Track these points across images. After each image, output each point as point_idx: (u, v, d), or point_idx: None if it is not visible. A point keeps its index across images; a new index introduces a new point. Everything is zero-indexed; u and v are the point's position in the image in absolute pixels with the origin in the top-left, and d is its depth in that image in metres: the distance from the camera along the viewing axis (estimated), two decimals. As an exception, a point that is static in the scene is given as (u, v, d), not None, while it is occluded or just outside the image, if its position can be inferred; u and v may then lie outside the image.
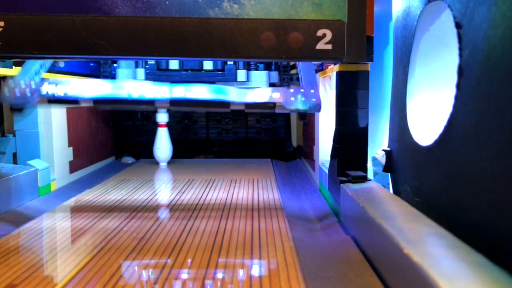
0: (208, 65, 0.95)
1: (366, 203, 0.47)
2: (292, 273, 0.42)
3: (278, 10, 0.54)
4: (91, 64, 1.01)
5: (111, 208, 0.67)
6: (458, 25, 0.41)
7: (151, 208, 0.67)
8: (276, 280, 0.40)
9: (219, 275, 0.41)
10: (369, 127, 0.63)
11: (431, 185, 0.47)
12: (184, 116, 1.20)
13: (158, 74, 0.95)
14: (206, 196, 0.75)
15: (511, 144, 0.32)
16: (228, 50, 0.55)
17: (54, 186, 0.81)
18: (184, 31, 0.54)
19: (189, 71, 0.95)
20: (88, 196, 0.76)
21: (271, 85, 1.03)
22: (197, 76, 0.96)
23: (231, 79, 0.96)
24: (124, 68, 0.99)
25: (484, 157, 0.36)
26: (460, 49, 0.40)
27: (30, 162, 0.77)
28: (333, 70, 0.68)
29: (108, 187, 0.83)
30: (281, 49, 0.55)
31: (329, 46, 0.55)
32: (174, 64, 0.94)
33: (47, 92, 0.65)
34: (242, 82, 0.98)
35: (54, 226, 0.59)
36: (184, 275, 0.42)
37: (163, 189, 0.82)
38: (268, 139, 1.22)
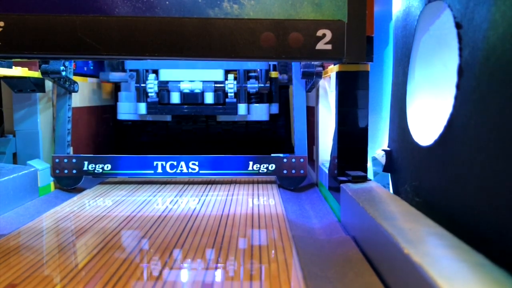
0: (209, 98, 0.95)
1: (366, 203, 0.47)
2: (292, 273, 0.42)
3: (278, 10, 0.54)
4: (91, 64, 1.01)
5: (111, 208, 0.67)
6: (458, 25, 0.41)
7: (151, 208, 0.67)
8: (276, 280, 0.40)
9: (219, 275, 0.41)
10: (369, 127, 0.63)
11: (431, 185, 0.47)
12: (184, 117, 1.20)
13: (159, 108, 0.95)
14: (206, 196, 0.75)
15: (511, 144, 0.32)
16: (228, 50, 0.55)
17: (54, 186, 0.81)
18: (184, 31, 0.54)
19: (190, 105, 0.95)
20: (88, 196, 0.76)
21: (271, 116, 1.03)
22: (198, 110, 0.96)
23: (232, 112, 0.96)
24: (125, 102, 1.00)
25: (484, 157, 0.36)
26: (460, 49, 0.40)
27: (30, 162, 0.77)
28: (333, 70, 0.68)
29: (108, 187, 0.83)
30: (281, 49, 0.55)
31: (329, 46, 0.55)
32: (175, 98, 0.95)
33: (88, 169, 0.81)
34: (243, 116, 0.98)
35: (54, 226, 0.59)
36: (184, 275, 0.42)
37: (163, 189, 0.82)
38: (268, 139, 1.22)
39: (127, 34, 0.54)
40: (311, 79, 0.78)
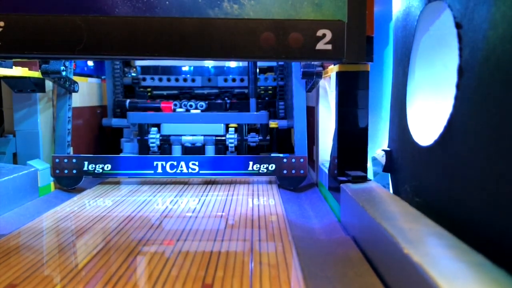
0: (210, 152, 0.95)
1: (366, 203, 0.47)
2: (292, 273, 0.42)
3: (278, 10, 0.54)
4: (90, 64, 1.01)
5: (111, 208, 0.67)
6: (458, 25, 0.41)
7: (151, 208, 0.67)
8: (276, 280, 0.40)
9: (219, 275, 0.41)
10: (369, 127, 0.63)
11: (431, 185, 0.47)
12: None
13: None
14: (206, 196, 0.75)
15: (511, 144, 0.32)
16: (228, 50, 0.55)
17: (54, 186, 0.81)
18: (184, 31, 0.54)
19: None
20: (88, 196, 0.76)
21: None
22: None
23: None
24: (127, 153, 0.99)
25: (484, 157, 0.36)
26: (460, 49, 0.40)
27: (30, 162, 0.77)
28: (333, 70, 0.68)
29: (108, 187, 0.83)
30: (281, 49, 0.55)
31: (329, 46, 0.55)
32: (177, 151, 0.95)
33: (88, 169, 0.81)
34: None
35: (54, 226, 0.59)
36: (184, 275, 0.42)
37: (163, 189, 0.82)
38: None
39: (127, 34, 0.54)
40: (311, 79, 0.78)
